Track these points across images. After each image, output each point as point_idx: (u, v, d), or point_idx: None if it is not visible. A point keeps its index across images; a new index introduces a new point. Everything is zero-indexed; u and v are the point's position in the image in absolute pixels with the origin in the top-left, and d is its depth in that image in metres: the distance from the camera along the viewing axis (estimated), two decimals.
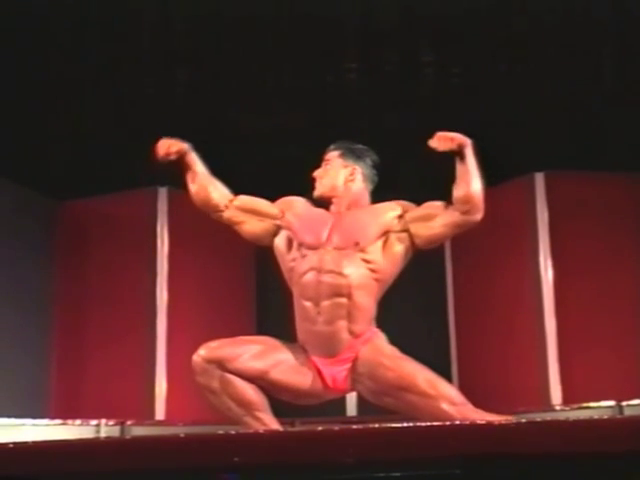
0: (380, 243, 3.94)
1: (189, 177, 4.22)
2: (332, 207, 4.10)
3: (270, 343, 4.00)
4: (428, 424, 2.52)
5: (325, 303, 3.86)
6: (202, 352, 3.91)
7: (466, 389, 7.25)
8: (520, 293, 7.08)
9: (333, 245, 3.92)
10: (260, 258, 7.66)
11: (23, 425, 5.91)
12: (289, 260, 4.05)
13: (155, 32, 7.57)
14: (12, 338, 6.74)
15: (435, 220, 3.95)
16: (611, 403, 5.97)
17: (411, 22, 7.57)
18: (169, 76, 7.78)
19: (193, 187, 4.23)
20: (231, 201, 4.24)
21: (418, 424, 2.52)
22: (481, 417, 3.69)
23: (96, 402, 7.01)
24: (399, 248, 3.97)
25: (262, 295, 7.58)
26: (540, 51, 7.26)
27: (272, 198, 4.30)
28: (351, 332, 3.87)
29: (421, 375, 3.78)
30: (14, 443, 2.69)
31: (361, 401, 6.94)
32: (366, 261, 3.91)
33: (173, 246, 7.26)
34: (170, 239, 7.26)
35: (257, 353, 3.92)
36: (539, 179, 7.02)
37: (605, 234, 6.94)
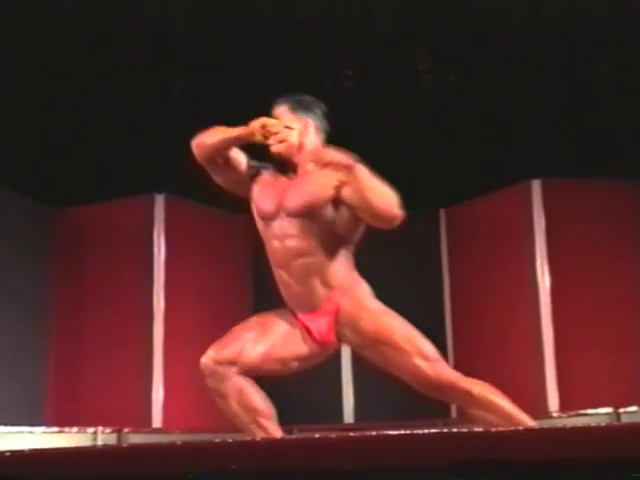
0: (330, 204, 3.86)
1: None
2: (289, 165, 4.04)
3: (261, 322, 4.05)
4: (425, 432, 2.52)
5: (294, 265, 3.88)
6: (210, 353, 3.96)
7: None
8: (517, 299, 7.09)
9: (287, 212, 3.91)
10: (257, 265, 7.67)
11: (20, 433, 5.90)
12: (260, 230, 4.07)
13: (153, 40, 7.59)
14: (9, 345, 6.73)
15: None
16: (608, 410, 5.97)
17: (408, 30, 7.60)
18: (167, 84, 7.80)
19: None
20: None
21: (415, 432, 2.52)
22: (453, 375, 3.84)
23: (93, 409, 7.00)
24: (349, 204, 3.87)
25: (259, 302, 7.57)
26: (538, 58, 7.28)
27: None
28: (326, 285, 3.89)
29: (399, 330, 3.83)
30: (11, 451, 2.69)
31: (358, 409, 6.95)
32: (323, 221, 3.88)
33: (170, 253, 7.26)
34: (167, 246, 7.26)
35: (254, 338, 3.96)
36: (536, 186, 7.03)
37: (602, 240, 6.95)
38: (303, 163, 4.00)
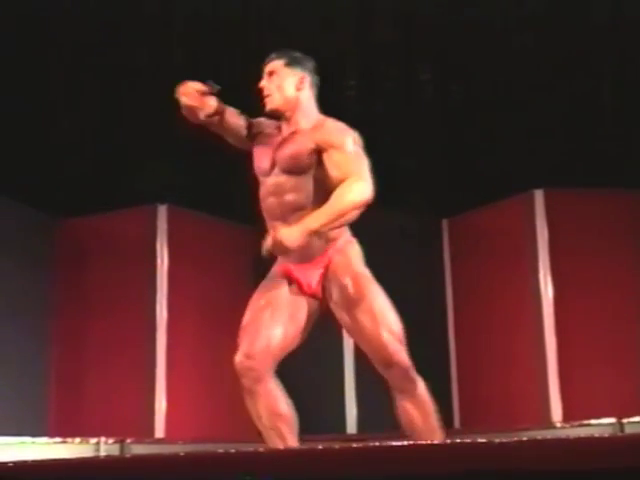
0: (316, 160, 3.98)
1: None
2: (283, 120, 4.12)
3: (266, 303, 4.10)
4: (429, 442, 2.52)
5: (292, 219, 3.94)
6: (243, 352, 3.97)
7: (467, 407, 7.30)
8: (520, 310, 7.08)
9: (281, 168, 4.01)
10: (259, 275, 7.66)
11: (22, 443, 5.89)
12: (260, 188, 4.14)
13: (155, 53, 7.60)
14: (11, 355, 6.74)
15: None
16: (612, 420, 5.95)
17: (409, 40, 7.60)
18: (169, 95, 7.80)
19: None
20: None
21: (418, 442, 2.51)
22: (408, 361, 3.93)
23: (96, 420, 7.00)
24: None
25: None
26: (540, 69, 7.29)
27: None
28: (321, 237, 3.96)
29: (378, 300, 3.95)
30: (13, 462, 2.68)
31: (361, 419, 6.93)
32: (315, 177, 3.98)
33: (173, 263, 7.26)
34: (170, 256, 7.26)
35: (272, 324, 4.03)
36: (538, 196, 7.03)
37: (604, 251, 6.94)
38: (298, 118, 4.09)
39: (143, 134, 7.54)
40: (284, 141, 4.07)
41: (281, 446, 3.87)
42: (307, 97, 4.14)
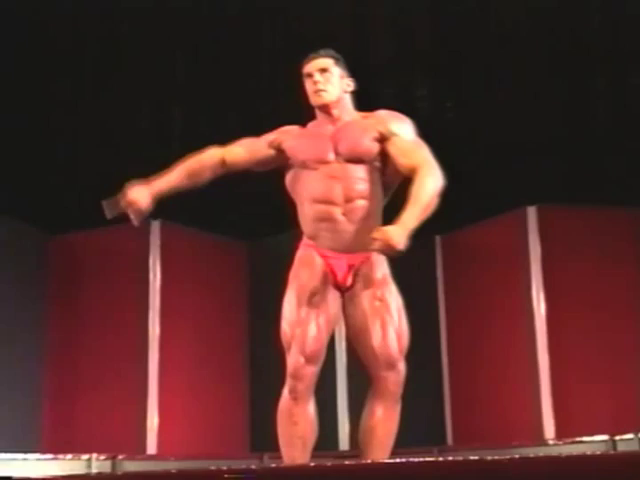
0: (379, 152, 4.10)
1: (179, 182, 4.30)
2: (326, 116, 4.20)
3: (307, 300, 4.05)
4: (421, 460, 2.51)
5: (352, 206, 4.03)
6: (299, 354, 3.96)
7: (460, 423, 7.29)
8: (513, 326, 7.08)
9: (344, 157, 4.08)
10: (252, 291, 7.66)
11: (14, 460, 5.87)
12: (296, 177, 4.19)
13: (150, 67, 7.61)
14: (3, 371, 6.71)
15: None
16: (604, 437, 5.95)
17: (405, 56, 7.63)
18: (165, 109, 7.82)
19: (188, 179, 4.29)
20: (224, 151, 4.27)
21: (411, 460, 2.51)
22: (405, 367, 4.02)
23: (88, 436, 6.97)
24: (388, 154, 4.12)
25: (255, 329, 7.56)
26: (534, 85, 7.31)
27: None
28: (369, 232, 3.96)
29: (398, 301, 4.09)
30: (4, 478, 2.67)
31: (354, 436, 6.92)
32: (375, 169, 4.10)
33: (165, 279, 7.25)
34: (162, 272, 7.25)
35: (320, 324, 4.01)
36: (532, 213, 7.03)
37: (597, 267, 6.95)
38: (343, 117, 4.19)
39: (135, 149, 7.55)
40: (341, 131, 4.15)
41: (298, 458, 3.86)
42: (349, 98, 4.26)
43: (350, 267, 4.06)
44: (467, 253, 7.47)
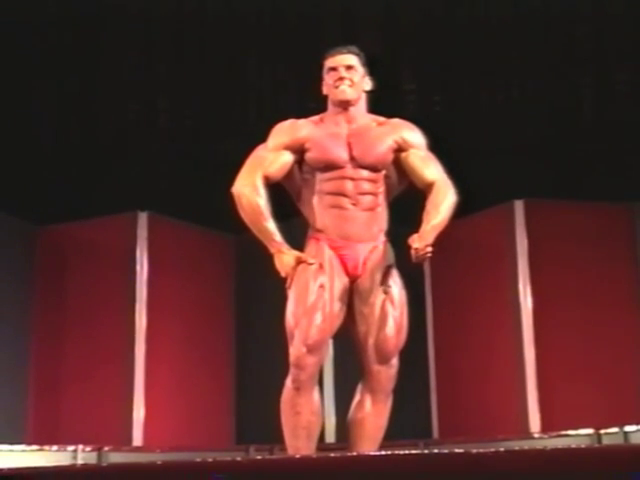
0: (391, 158, 4.21)
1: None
2: (343, 113, 4.24)
3: (316, 289, 4.05)
4: (407, 452, 2.51)
5: (363, 198, 4.14)
6: (305, 340, 3.95)
7: (446, 417, 7.30)
8: (500, 320, 7.09)
9: (359, 163, 4.16)
10: (239, 284, 7.66)
11: None
12: (311, 176, 4.21)
13: (138, 61, 7.59)
14: None
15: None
16: (589, 431, 5.97)
17: (393, 50, 7.62)
18: (151, 103, 7.80)
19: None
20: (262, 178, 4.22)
21: (396, 452, 2.51)
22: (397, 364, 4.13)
23: (73, 428, 6.96)
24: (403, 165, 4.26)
25: (241, 321, 7.56)
26: (521, 81, 7.32)
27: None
28: (378, 226, 4.20)
29: (401, 296, 4.24)
30: None
31: (340, 429, 6.92)
32: (380, 175, 4.20)
33: (153, 271, 7.24)
34: (150, 264, 7.23)
35: (325, 314, 4.01)
36: (519, 207, 7.04)
37: (584, 261, 6.97)
38: (358, 115, 4.26)
39: (124, 141, 7.53)
40: (357, 135, 4.20)
41: (303, 448, 3.80)
42: (365, 97, 4.33)
43: (360, 256, 4.12)
44: (453, 247, 7.47)
